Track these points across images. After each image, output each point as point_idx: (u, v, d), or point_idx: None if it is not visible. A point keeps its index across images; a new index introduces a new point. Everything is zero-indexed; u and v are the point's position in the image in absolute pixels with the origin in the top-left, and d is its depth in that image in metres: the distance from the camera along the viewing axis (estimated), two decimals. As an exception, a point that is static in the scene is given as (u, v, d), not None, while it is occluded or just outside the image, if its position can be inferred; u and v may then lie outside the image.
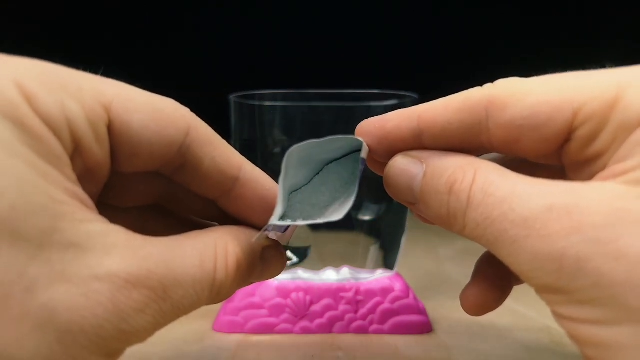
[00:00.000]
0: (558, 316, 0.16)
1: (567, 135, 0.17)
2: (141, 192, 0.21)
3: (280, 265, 0.21)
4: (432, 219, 0.19)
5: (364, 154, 0.20)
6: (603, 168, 0.17)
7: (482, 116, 0.18)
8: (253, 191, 0.20)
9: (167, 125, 0.18)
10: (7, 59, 0.16)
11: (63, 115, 0.15)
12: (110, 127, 0.17)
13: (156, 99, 0.18)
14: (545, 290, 0.16)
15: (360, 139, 0.20)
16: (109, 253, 0.15)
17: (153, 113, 0.18)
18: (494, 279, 0.22)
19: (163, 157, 0.18)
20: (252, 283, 0.21)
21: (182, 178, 0.20)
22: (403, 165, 0.19)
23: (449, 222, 0.18)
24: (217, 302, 0.19)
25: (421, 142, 0.20)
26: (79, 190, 0.16)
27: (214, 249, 0.18)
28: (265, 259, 0.20)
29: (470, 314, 0.22)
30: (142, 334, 0.16)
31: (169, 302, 0.16)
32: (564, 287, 0.15)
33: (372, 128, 0.20)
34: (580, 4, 0.54)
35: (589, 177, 0.17)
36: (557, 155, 0.19)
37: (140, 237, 0.16)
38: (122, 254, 0.15)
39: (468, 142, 0.19)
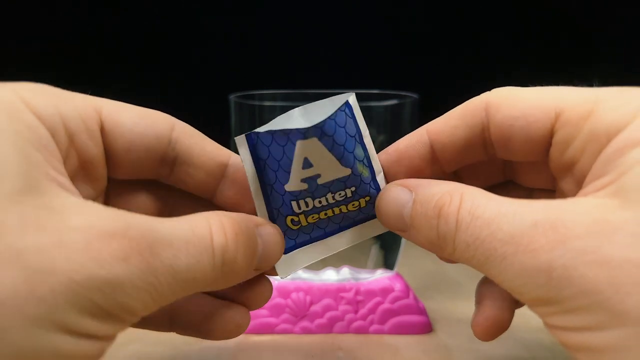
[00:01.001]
0: (550, 327, 0.17)
1: (549, 137, 0.19)
2: (141, 204, 0.22)
3: (280, 244, 0.21)
4: (423, 244, 0.20)
5: (351, 100, 0.21)
6: (581, 177, 0.19)
7: (482, 116, 0.20)
8: (244, 174, 0.21)
9: (154, 122, 0.20)
10: (8, 83, 0.17)
11: (57, 114, 0.17)
12: (102, 127, 0.19)
13: (141, 107, 0.21)
14: (536, 303, 0.16)
15: (351, 94, 0.22)
16: (85, 213, 0.15)
17: (140, 112, 0.20)
18: (498, 300, 0.23)
19: (156, 151, 0.20)
20: (259, 270, 0.21)
21: (178, 176, 0.21)
22: (394, 194, 0.21)
23: (439, 245, 0.19)
24: (233, 279, 0.19)
25: (434, 154, 0.22)
26: (62, 179, 0.16)
27: (206, 219, 0.18)
28: (262, 236, 0.20)
29: (486, 340, 0.23)
30: (131, 291, 0.15)
31: (157, 259, 0.16)
32: (553, 297, 0.15)
33: (387, 153, 0.22)
34: (579, 11, 0.54)
35: (574, 186, 0.19)
36: (544, 160, 0.20)
37: (120, 210, 0.16)
38: (99, 214, 0.15)
39: (473, 144, 0.21)
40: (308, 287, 0.32)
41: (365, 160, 0.22)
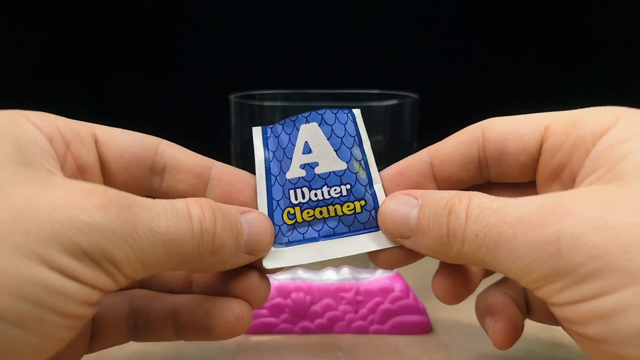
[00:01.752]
0: (558, 306, 0.17)
1: (539, 147, 0.22)
2: None
3: (268, 228, 0.22)
4: (429, 246, 0.20)
5: (356, 111, 0.24)
6: (569, 180, 0.21)
7: (478, 135, 0.22)
8: (230, 171, 0.23)
9: (142, 136, 0.22)
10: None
11: (54, 125, 0.19)
12: (95, 138, 0.21)
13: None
14: (545, 281, 0.17)
15: (357, 110, 0.24)
16: (70, 181, 0.17)
17: (128, 130, 0.22)
18: (510, 306, 0.24)
19: (145, 159, 0.22)
20: (252, 254, 0.21)
21: (168, 183, 0.23)
22: (399, 200, 0.22)
23: (448, 241, 0.19)
24: (219, 254, 0.19)
25: (433, 173, 0.23)
26: (57, 172, 0.18)
27: (183, 199, 0.19)
28: (247, 220, 0.21)
29: (506, 348, 0.23)
30: (111, 237, 0.16)
31: (136, 216, 0.17)
32: (563, 267, 0.16)
33: (388, 169, 0.24)
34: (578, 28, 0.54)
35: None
36: (533, 173, 0.22)
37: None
38: (82, 182, 0.17)
39: (470, 161, 0.22)
40: (308, 287, 0.32)
41: (362, 163, 0.23)
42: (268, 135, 0.24)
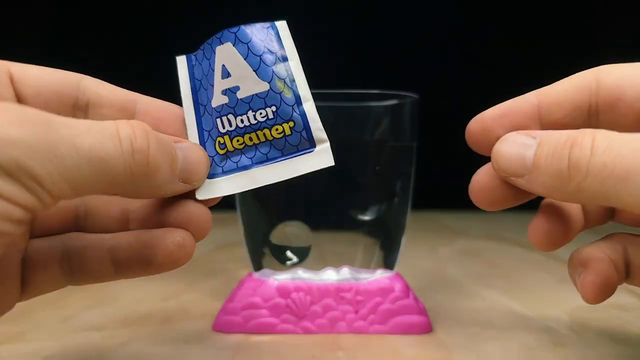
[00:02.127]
0: None
1: None
2: None
3: (202, 157, 0.21)
4: (545, 182, 0.20)
5: (280, 23, 0.23)
6: None
7: (591, 81, 0.21)
8: (157, 104, 0.23)
9: (62, 73, 0.22)
10: None
11: None
12: (11, 77, 0.21)
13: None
14: None
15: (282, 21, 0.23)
16: None
17: (48, 68, 0.22)
18: (606, 260, 0.23)
19: (66, 96, 0.21)
20: (187, 184, 0.21)
21: (92, 119, 0.21)
22: (517, 138, 0.21)
23: (567, 175, 0.19)
24: (153, 176, 0.19)
25: (539, 115, 0.22)
26: None
27: (112, 121, 0.18)
28: (181, 148, 0.21)
29: (595, 302, 0.22)
30: (29, 152, 0.15)
31: (56, 133, 0.16)
32: None
33: (493, 109, 0.23)
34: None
35: None
36: None
37: None
38: None
39: (579, 107, 0.22)
40: (308, 287, 0.32)
41: (288, 81, 0.22)
42: (193, 63, 0.23)
